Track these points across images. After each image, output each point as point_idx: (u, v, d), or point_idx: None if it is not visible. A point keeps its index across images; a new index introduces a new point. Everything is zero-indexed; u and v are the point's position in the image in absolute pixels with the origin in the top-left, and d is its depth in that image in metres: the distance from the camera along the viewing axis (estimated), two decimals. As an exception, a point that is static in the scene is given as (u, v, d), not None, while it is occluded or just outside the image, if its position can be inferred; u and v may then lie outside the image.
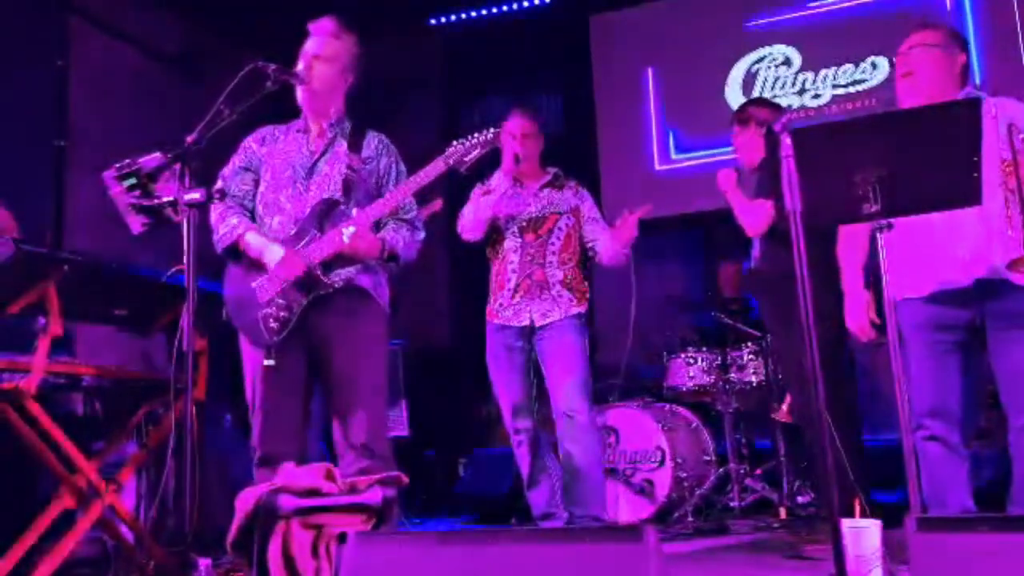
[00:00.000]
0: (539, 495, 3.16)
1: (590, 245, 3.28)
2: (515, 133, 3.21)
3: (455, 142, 2.56)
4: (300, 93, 2.58)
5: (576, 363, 3.11)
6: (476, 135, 2.56)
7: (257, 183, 2.62)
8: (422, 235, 2.68)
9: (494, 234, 3.29)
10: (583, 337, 3.17)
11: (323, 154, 2.59)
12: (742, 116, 3.43)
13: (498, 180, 3.19)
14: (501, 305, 3.20)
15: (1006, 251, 2.29)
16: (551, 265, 3.18)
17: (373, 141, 2.65)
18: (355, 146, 2.61)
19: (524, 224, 3.23)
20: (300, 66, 2.55)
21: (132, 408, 2.72)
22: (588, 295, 3.24)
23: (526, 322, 3.15)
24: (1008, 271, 2.29)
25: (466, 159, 2.54)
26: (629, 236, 3.13)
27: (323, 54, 2.55)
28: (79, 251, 2.69)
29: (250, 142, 2.66)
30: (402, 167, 2.66)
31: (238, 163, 2.63)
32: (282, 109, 2.67)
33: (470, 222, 3.20)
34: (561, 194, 3.30)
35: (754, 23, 5.52)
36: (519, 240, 3.22)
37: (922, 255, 2.44)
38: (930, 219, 2.40)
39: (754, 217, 3.24)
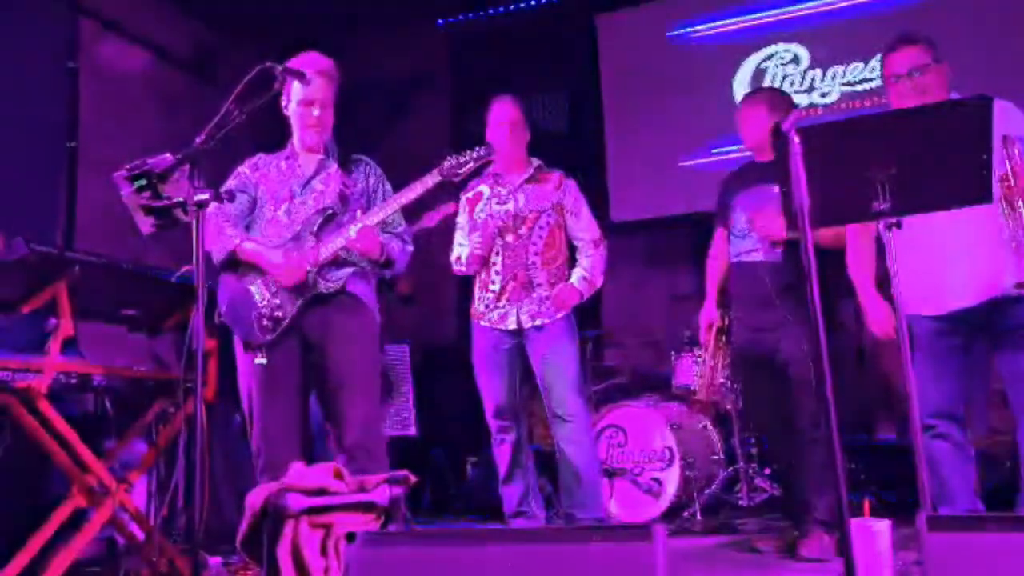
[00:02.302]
0: (512, 492, 3.15)
1: (575, 243, 3.25)
2: (498, 120, 3.20)
3: (449, 156, 2.66)
4: (298, 128, 2.70)
5: (569, 365, 3.10)
6: (469, 152, 2.66)
7: (251, 204, 2.70)
8: (411, 248, 2.79)
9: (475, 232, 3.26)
10: (574, 337, 3.16)
11: (317, 174, 2.70)
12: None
13: (474, 239, 3.16)
14: (487, 307, 3.18)
15: (1014, 270, 2.30)
16: (534, 266, 3.14)
17: (360, 163, 2.78)
18: (345, 168, 2.73)
19: (504, 224, 3.18)
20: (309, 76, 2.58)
21: (142, 408, 2.74)
22: None
23: (513, 325, 3.13)
24: (1017, 290, 2.30)
25: (460, 172, 2.67)
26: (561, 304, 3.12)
27: (324, 99, 2.66)
28: (90, 252, 2.70)
29: (243, 168, 2.75)
30: (388, 186, 2.79)
31: (231, 187, 2.70)
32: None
33: (464, 267, 3.23)
34: (542, 188, 3.23)
35: (762, 19, 5.50)
36: (500, 241, 3.17)
37: (929, 277, 2.45)
38: (936, 239, 2.42)
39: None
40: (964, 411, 2.45)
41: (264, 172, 2.72)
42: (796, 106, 3.14)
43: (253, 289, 2.57)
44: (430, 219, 3.61)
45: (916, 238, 2.38)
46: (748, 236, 3.02)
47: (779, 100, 3.09)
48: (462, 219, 3.32)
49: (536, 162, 3.29)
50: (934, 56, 2.51)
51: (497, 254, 3.18)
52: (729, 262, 3.12)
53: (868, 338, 2.72)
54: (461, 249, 3.26)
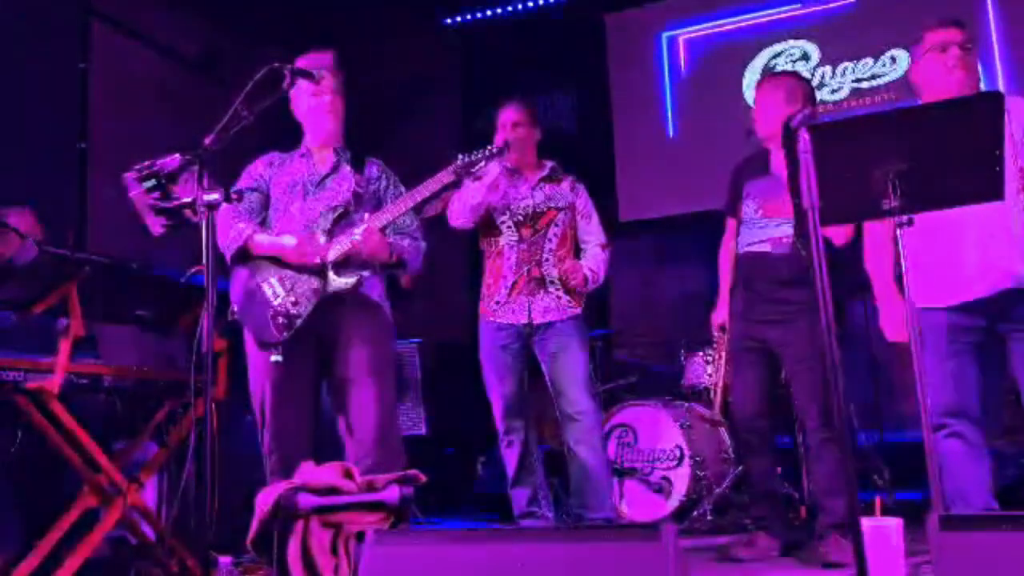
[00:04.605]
0: (521, 495, 3.15)
1: (582, 246, 3.27)
2: (506, 122, 3.23)
3: (461, 155, 2.67)
4: (313, 119, 2.71)
5: (579, 363, 3.10)
6: (480, 150, 2.69)
7: (263, 202, 2.71)
8: (424, 244, 2.78)
9: (490, 227, 3.25)
10: (584, 336, 3.17)
11: (330, 173, 2.72)
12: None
13: (489, 168, 3.02)
14: (498, 303, 3.17)
15: None
16: (547, 263, 3.16)
17: (373, 166, 2.79)
18: (359, 169, 2.74)
19: (521, 219, 3.20)
20: (317, 74, 2.59)
21: (153, 408, 2.75)
22: (584, 296, 3.22)
23: (524, 320, 3.12)
24: None
25: (472, 170, 2.69)
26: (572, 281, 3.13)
27: (338, 89, 2.69)
28: (100, 252, 2.72)
29: (257, 165, 2.76)
30: (401, 188, 2.78)
31: (244, 185, 2.71)
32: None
33: (458, 208, 3.18)
34: (559, 188, 3.26)
35: (771, 16, 5.48)
36: (516, 236, 3.19)
37: (943, 268, 2.43)
38: (951, 229, 2.40)
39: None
40: (979, 409, 2.42)
41: (278, 169, 2.74)
42: (813, 100, 2.96)
43: (267, 287, 2.56)
44: (431, 209, 3.62)
45: (933, 229, 2.36)
46: (758, 226, 2.95)
47: (797, 89, 2.93)
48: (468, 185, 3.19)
49: (550, 163, 3.32)
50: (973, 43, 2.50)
51: (512, 248, 3.19)
52: (737, 253, 3.05)
53: (877, 338, 2.68)
54: (455, 202, 3.19)
